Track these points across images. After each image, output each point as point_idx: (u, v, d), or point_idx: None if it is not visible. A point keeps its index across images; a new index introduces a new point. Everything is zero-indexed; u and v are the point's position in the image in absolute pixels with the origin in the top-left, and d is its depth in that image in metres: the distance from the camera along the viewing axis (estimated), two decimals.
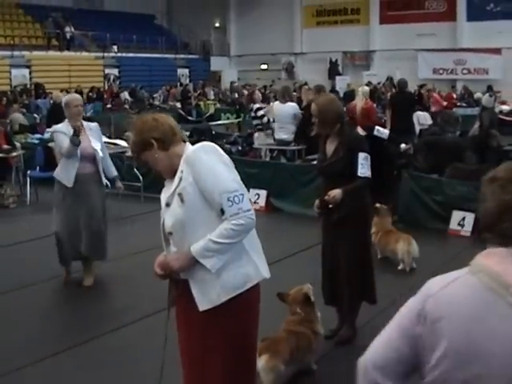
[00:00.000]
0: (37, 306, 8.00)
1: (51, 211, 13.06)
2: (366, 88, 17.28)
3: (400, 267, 9.07)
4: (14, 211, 13.47)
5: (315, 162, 12.53)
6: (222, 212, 3.75)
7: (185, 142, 4.06)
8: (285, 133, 13.97)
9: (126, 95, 36.48)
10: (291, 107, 14.01)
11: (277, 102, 14.47)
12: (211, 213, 3.81)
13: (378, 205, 9.65)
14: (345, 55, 45.36)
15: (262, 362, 5.31)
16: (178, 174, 3.88)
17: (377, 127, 11.45)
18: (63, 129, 8.43)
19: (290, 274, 8.61)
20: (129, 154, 14.30)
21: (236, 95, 33.91)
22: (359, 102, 14.99)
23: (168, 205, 3.94)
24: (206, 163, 3.80)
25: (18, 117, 22.54)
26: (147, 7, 47.76)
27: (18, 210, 13.58)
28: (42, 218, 12.77)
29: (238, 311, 3.91)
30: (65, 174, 8.49)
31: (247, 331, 4.02)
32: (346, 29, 44.56)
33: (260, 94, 14.33)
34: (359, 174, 6.31)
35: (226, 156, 3.94)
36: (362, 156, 6.29)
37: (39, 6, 41.78)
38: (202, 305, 3.85)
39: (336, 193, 6.30)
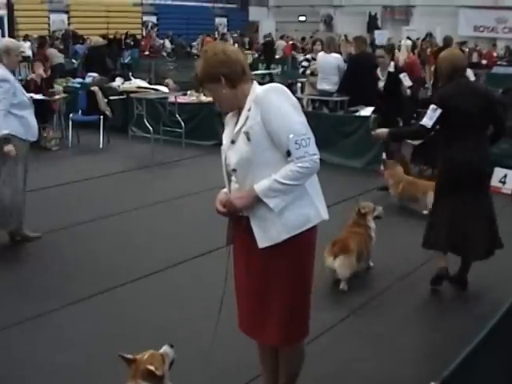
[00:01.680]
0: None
1: (92, 153, 13.39)
2: (409, 42, 17.15)
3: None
4: (56, 153, 13.66)
5: (357, 114, 12.63)
6: (288, 154, 3.78)
7: (252, 80, 4.04)
8: (328, 83, 13.85)
9: (166, 43, 36.45)
10: (335, 58, 13.88)
11: (321, 53, 14.25)
12: (276, 153, 3.83)
13: (383, 157, 10.75)
14: (384, 9, 44.72)
15: (339, 260, 6.63)
16: (245, 113, 3.89)
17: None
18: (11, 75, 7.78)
19: (334, 223, 8.66)
20: (171, 99, 14.35)
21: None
22: (402, 56, 14.87)
23: (233, 142, 3.96)
24: (275, 105, 3.80)
25: (54, 52, 22.64)
26: None
27: (60, 152, 13.78)
28: (84, 160, 13.07)
29: (297, 249, 3.98)
30: (26, 127, 7.83)
31: (304, 268, 4.10)
32: None
33: (320, 47, 14.01)
34: (419, 123, 6.67)
35: (295, 99, 3.94)
36: (430, 107, 6.46)
37: None
38: (262, 242, 3.92)
39: (380, 131, 7.07)
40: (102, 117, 14.14)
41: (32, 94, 13.65)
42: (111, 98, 15.07)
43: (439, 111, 6.36)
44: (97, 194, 10.43)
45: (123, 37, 35.32)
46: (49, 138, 13.88)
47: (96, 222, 8.89)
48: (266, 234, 3.91)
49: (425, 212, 9.15)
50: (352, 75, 12.90)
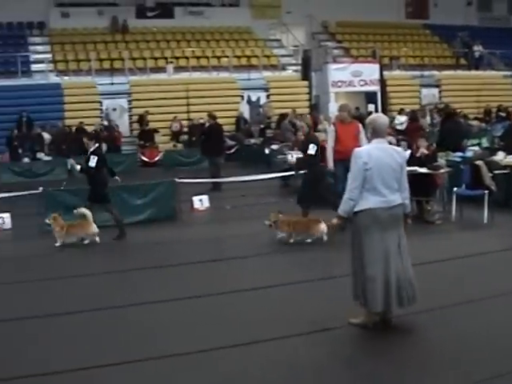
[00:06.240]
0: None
1: (475, 229, 13.16)
2: None
3: None
4: (439, 227, 13.67)
5: None
6: None
7: None
8: None
9: None
10: None
11: None
12: None
13: None
14: None
15: None
16: None
17: None
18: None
19: None
20: None
21: None
22: None
23: None
24: None
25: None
26: None
27: (442, 226, 13.75)
28: (467, 235, 12.84)
29: None
30: None
31: None
32: None
33: None
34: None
35: None
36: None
37: (446, 26, 42.18)
38: None
39: None
40: (486, 192, 13.81)
41: (416, 168, 13.92)
42: (495, 172, 14.73)
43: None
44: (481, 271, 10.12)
45: (495, 109, 34.85)
46: (432, 212, 13.98)
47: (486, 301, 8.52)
48: None
49: None
50: None
